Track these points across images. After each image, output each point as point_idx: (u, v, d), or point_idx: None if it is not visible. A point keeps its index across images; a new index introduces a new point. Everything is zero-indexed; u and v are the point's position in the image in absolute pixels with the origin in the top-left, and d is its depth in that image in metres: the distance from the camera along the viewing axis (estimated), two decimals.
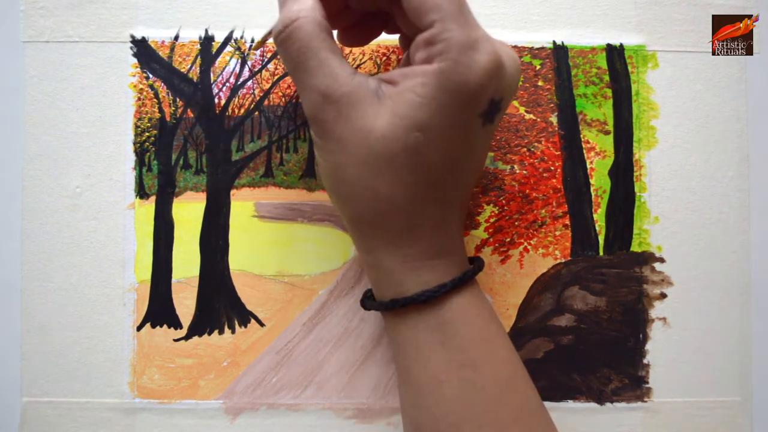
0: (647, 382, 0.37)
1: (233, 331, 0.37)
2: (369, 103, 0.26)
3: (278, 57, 0.37)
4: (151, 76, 0.37)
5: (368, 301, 0.32)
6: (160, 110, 0.37)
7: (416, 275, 0.29)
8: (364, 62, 0.37)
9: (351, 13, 0.31)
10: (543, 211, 0.37)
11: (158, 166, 0.37)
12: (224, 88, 0.37)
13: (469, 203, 0.33)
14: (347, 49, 0.37)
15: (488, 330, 0.29)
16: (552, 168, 0.37)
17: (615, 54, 0.38)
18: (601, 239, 0.37)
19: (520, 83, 0.37)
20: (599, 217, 0.37)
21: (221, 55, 0.37)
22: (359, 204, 0.28)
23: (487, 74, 0.26)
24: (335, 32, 0.35)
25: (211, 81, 0.37)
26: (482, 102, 0.26)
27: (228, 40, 0.37)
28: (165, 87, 0.37)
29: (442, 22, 0.25)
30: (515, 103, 0.37)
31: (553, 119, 0.37)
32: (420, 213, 0.28)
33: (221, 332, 0.37)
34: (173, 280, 0.37)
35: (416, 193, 0.27)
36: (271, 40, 0.37)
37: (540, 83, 0.38)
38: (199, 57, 0.37)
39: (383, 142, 0.26)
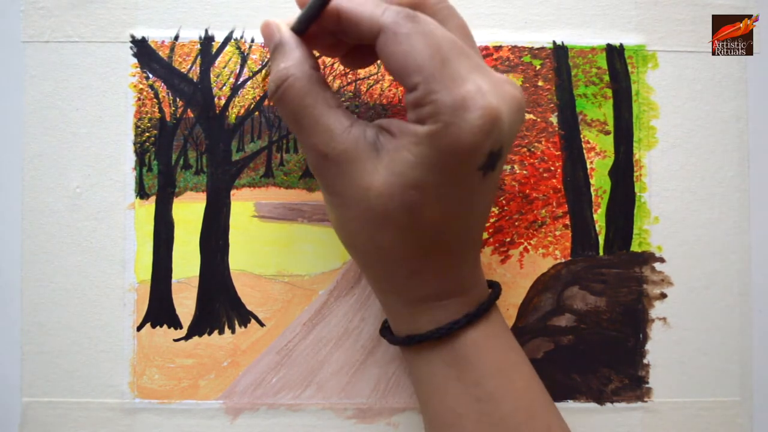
0: (647, 382, 0.37)
1: (233, 331, 0.37)
2: (366, 158, 0.26)
3: None
4: (151, 76, 0.37)
5: (386, 333, 0.32)
6: (160, 110, 0.37)
7: (428, 314, 0.29)
8: None
9: (345, 43, 0.31)
10: (543, 211, 0.37)
11: (158, 166, 0.37)
12: (224, 88, 0.37)
13: (481, 240, 0.33)
14: None
15: (506, 361, 0.29)
16: (552, 168, 0.37)
17: (615, 54, 0.38)
18: (601, 239, 0.37)
19: (520, 83, 0.37)
20: (599, 217, 0.37)
21: (221, 55, 0.37)
22: (363, 254, 0.29)
23: (481, 132, 0.24)
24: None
25: (211, 81, 0.37)
26: (479, 157, 0.25)
27: (228, 40, 0.37)
28: (165, 87, 0.37)
29: (426, 84, 0.24)
30: None
31: (553, 119, 0.37)
32: (423, 263, 0.28)
33: (221, 332, 0.37)
34: (173, 280, 0.37)
35: (417, 246, 0.27)
36: None
37: (540, 83, 0.38)
38: (199, 57, 0.37)
39: (381, 199, 0.26)
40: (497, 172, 0.27)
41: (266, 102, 0.37)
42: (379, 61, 0.37)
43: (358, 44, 0.31)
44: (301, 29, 0.27)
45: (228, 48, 0.37)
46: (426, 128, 0.25)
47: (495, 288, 0.31)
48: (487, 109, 0.24)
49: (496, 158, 0.26)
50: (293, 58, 0.26)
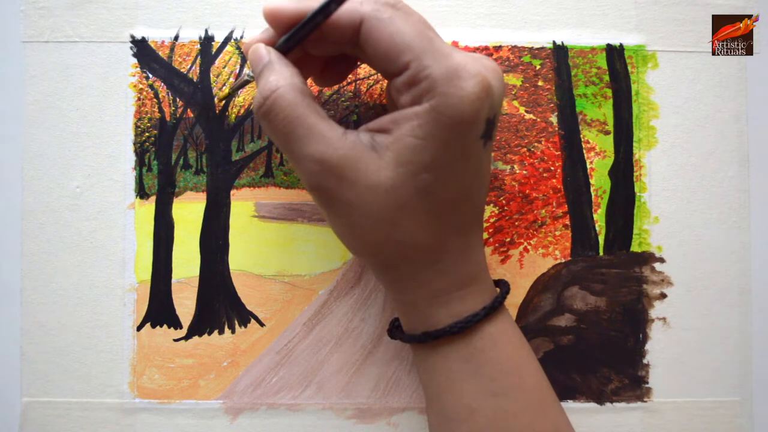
0: (647, 382, 0.37)
1: (233, 331, 0.37)
2: (368, 159, 0.26)
3: None
4: (151, 76, 0.37)
5: (397, 332, 0.32)
6: (160, 110, 0.37)
7: (446, 308, 0.29)
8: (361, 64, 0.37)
9: (315, 60, 0.31)
10: (543, 211, 0.37)
11: (158, 166, 0.37)
12: (224, 88, 0.37)
13: (483, 221, 0.33)
14: None
15: (519, 356, 0.29)
16: (552, 168, 0.37)
17: (615, 54, 0.38)
18: (601, 239, 0.37)
19: (520, 83, 0.37)
20: (599, 217, 0.37)
21: (221, 55, 0.37)
22: (381, 255, 0.28)
23: (478, 98, 0.25)
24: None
25: (211, 81, 0.37)
26: (480, 125, 0.26)
27: (228, 40, 0.37)
28: (165, 87, 0.37)
29: (417, 61, 0.25)
30: (515, 103, 0.37)
31: (553, 119, 0.37)
32: (444, 246, 0.28)
33: (221, 332, 0.37)
34: (173, 280, 0.37)
35: (437, 229, 0.27)
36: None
37: (540, 83, 0.38)
38: (199, 57, 0.37)
39: (393, 193, 0.26)
40: (493, 142, 0.28)
41: None
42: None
43: (328, 62, 0.31)
44: (284, 50, 0.28)
45: (228, 48, 0.37)
46: (425, 105, 0.25)
47: (504, 284, 0.31)
48: (480, 75, 0.25)
49: (492, 126, 0.27)
50: (282, 72, 0.27)
